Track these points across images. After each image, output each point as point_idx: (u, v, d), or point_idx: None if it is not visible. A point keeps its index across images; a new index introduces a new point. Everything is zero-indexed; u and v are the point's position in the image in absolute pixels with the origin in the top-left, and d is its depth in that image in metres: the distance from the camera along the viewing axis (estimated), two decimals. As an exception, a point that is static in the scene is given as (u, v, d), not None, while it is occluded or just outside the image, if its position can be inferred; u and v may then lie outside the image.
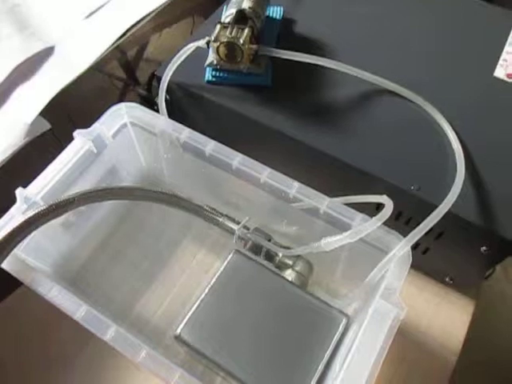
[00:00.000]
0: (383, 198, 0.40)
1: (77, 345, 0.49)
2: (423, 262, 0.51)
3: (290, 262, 0.48)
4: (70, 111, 0.63)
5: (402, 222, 0.47)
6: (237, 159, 0.44)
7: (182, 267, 0.53)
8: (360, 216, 0.41)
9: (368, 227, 0.39)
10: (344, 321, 0.43)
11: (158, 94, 0.51)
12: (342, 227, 0.41)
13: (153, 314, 0.50)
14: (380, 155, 0.45)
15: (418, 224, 0.40)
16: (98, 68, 0.63)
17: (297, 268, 0.47)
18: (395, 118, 0.48)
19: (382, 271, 0.39)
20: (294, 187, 0.42)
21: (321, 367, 0.41)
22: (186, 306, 0.48)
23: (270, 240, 0.48)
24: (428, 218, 0.40)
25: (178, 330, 0.43)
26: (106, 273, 0.52)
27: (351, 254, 0.44)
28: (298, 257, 0.48)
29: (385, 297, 0.37)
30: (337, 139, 0.46)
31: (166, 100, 0.50)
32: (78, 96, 0.63)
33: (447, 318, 0.53)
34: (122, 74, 0.75)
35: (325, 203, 0.41)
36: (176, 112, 0.50)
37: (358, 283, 0.45)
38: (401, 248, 0.39)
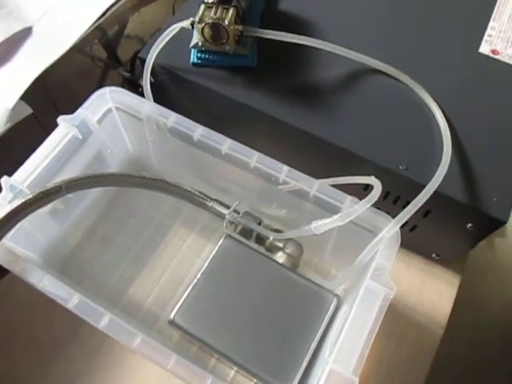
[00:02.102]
0: (371, 180, 0.41)
1: (69, 331, 0.49)
2: (410, 239, 0.52)
3: (281, 245, 0.48)
4: (52, 95, 0.62)
5: (389, 201, 0.48)
6: (226, 144, 0.43)
7: (172, 252, 0.52)
8: (349, 198, 0.41)
9: (357, 210, 0.39)
10: (334, 301, 0.44)
11: (141, 76, 0.50)
12: (332, 210, 0.41)
13: (145, 299, 0.49)
14: (367, 135, 0.45)
15: (406, 203, 0.40)
16: (78, 49, 0.61)
17: (287, 250, 0.48)
18: (382, 97, 0.47)
19: (372, 252, 0.40)
20: (283, 171, 0.42)
21: (313, 346, 0.42)
22: (179, 291, 0.49)
23: (260, 223, 0.48)
24: (416, 199, 0.40)
25: (172, 315, 0.43)
26: (96, 259, 0.51)
27: (340, 235, 0.44)
28: (289, 239, 0.48)
29: (375, 277, 0.38)
30: (323, 120, 0.46)
31: (150, 83, 0.49)
32: (60, 79, 0.61)
33: (434, 292, 0.55)
34: (102, 55, 0.74)
35: (314, 186, 0.41)
36: (161, 95, 0.49)
37: (348, 264, 0.46)
38: (390, 229, 0.39)
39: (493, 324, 0.86)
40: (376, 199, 0.40)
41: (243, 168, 0.44)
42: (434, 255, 0.55)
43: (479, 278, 0.89)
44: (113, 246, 0.52)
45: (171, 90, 0.52)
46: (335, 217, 0.39)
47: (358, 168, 0.45)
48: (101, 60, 0.72)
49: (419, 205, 0.40)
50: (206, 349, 0.44)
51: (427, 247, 0.55)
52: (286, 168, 0.42)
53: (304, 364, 0.41)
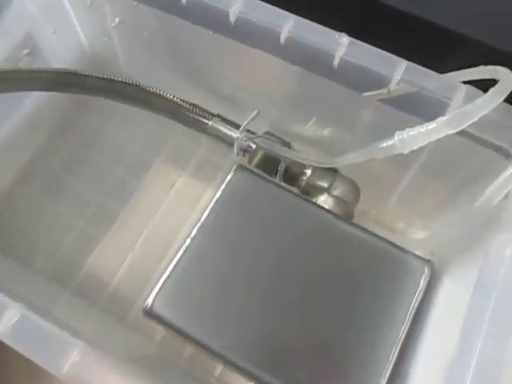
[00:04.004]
0: (497, 71, 0.23)
1: None
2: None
3: (325, 184, 0.30)
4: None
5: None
6: (237, 4, 0.25)
7: (154, 202, 0.36)
8: (463, 90, 0.23)
9: (482, 106, 0.21)
10: (426, 271, 0.26)
11: None
12: (425, 113, 0.24)
13: (112, 275, 0.34)
14: (474, 9, 0.29)
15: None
16: None
17: (335, 192, 0.30)
18: None
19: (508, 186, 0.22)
20: (341, 45, 0.24)
21: (395, 353, 0.24)
22: (163, 262, 0.33)
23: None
24: None
25: (149, 301, 0.26)
26: (36, 214, 0.36)
27: (432, 160, 0.27)
28: (336, 175, 0.31)
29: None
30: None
31: None
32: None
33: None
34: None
35: (399, 70, 0.23)
36: None
37: (431, 212, 0.29)
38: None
39: None
40: (509, 91, 0.22)
41: (267, 47, 0.26)
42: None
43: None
44: (62, 193, 0.37)
45: None
46: (441, 119, 0.21)
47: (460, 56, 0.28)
48: None
49: None
50: (207, 352, 0.26)
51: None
52: (345, 39, 0.24)
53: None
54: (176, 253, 0.27)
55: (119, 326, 0.31)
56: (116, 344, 0.29)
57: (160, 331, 0.31)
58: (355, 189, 0.31)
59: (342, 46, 0.24)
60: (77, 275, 0.34)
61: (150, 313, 0.26)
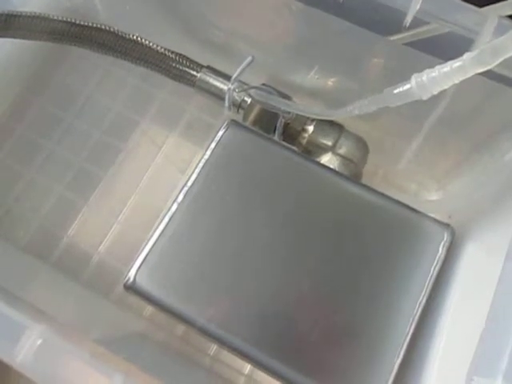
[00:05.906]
0: None
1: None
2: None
3: (329, 142, 0.27)
4: None
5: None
6: None
7: (139, 166, 0.33)
8: (495, 20, 0.19)
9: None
10: (445, 237, 0.23)
11: None
12: (443, 53, 0.20)
13: (95, 246, 0.31)
14: None
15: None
16: None
17: (341, 150, 0.27)
18: None
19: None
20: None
21: (409, 331, 0.21)
22: (150, 232, 0.29)
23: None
24: None
25: (131, 274, 0.23)
26: (8, 180, 0.32)
27: (448, 110, 0.23)
28: (342, 132, 0.27)
29: None
30: None
31: None
32: None
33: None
34: None
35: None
36: None
37: (452, 168, 0.27)
38: None
39: None
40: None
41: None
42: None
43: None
44: (37, 157, 0.33)
45: None
46: (470, 55, 0.18)
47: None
48: None
49: None
50: (198, 331, 0.23)
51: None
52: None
53: (394, 367, 0.21)
54: (161, 220, 0.24)
55: (104, 302, 0.28)
56: (100, 322, 0.26)
57: (149, 307, 0.28)
58: (363, 146, 0.28)
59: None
60: (56, 247, 0.30)
61: (132, 287, 0.23)
